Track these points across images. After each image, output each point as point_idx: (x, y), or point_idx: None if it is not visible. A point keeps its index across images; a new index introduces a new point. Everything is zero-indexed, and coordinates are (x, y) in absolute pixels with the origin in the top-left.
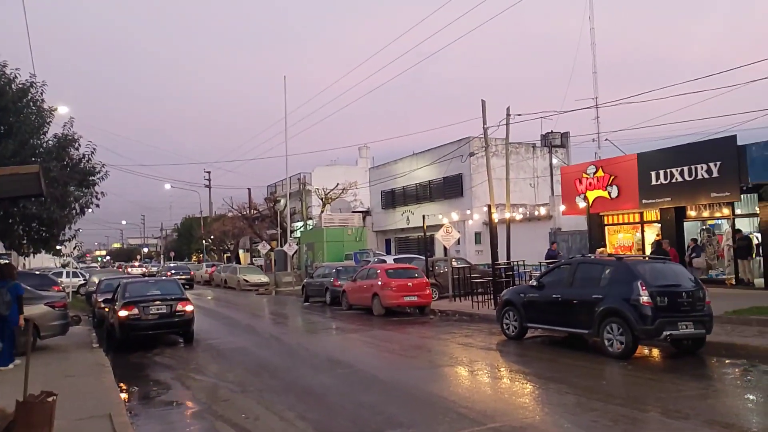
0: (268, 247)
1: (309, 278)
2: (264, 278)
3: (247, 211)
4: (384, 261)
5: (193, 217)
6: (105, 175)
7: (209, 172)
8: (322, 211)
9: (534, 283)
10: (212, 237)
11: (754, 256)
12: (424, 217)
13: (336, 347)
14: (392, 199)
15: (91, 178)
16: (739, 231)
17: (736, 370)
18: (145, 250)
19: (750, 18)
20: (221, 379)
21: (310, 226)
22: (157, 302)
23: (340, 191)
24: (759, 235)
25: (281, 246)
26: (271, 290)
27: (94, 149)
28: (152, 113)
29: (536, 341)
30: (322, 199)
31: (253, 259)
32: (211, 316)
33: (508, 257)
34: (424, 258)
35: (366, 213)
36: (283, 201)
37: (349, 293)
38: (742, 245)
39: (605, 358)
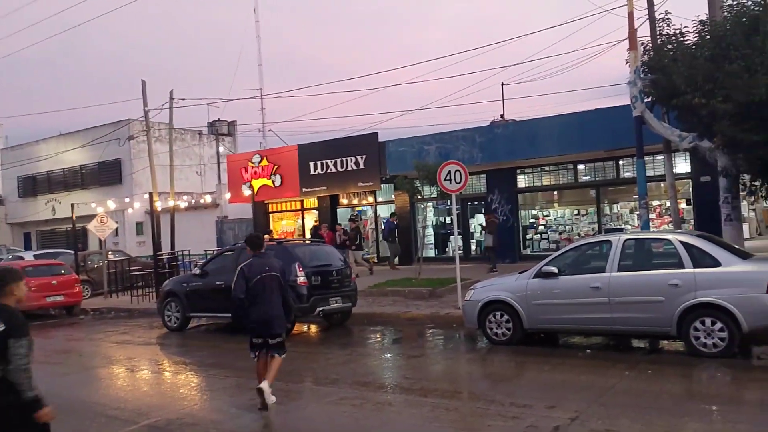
0: None
1: None
2: None
3: None
4: (21, 258)
5: None
6: None
7: None
8: None
9: (197, 271)
10: None
11: (380, 240)
12: (73, 206)
13: None
14: (33, 186)
15: None
16: (354, 220)
17: (375, 335)
18: None
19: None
20: None
21: None
22: None
23: None
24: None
25: None
26: None
27: None
28: None
29: (200, 330)
30: None
31: None
32: None
33: (173, 247)
34: (73, 252)
35: None
36: None
37: None
38: (351, 236)
39: None
